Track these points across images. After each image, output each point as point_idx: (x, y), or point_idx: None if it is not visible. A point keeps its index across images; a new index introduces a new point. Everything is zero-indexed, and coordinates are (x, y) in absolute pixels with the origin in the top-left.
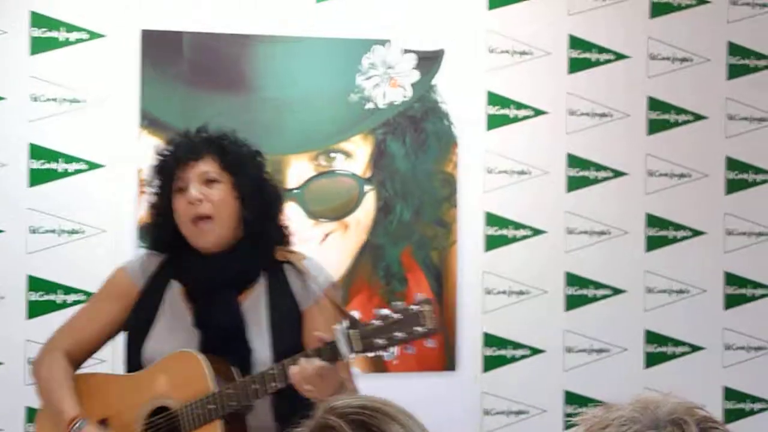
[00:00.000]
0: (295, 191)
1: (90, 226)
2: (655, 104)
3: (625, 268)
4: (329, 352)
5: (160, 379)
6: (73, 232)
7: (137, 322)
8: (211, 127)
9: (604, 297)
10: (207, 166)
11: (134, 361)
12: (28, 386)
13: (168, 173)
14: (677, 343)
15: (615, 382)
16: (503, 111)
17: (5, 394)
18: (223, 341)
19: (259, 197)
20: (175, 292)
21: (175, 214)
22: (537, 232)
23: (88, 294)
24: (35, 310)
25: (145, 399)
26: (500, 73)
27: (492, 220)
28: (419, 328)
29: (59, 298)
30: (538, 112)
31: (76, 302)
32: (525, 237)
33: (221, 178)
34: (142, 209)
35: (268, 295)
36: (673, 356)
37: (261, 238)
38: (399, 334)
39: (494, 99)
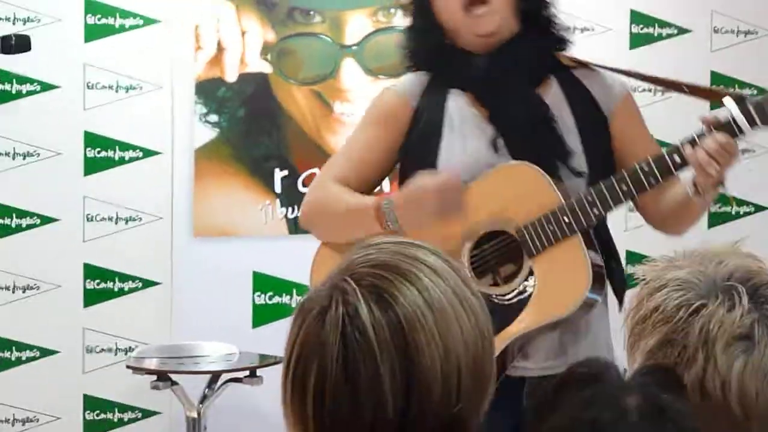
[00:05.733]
0: (354, 47)
1: (147, 82)
2: None
3: None
4: (725, 130)
5: (484, 201)
6: (130, 88)
7: (422, 141)
8: None
9: None
10: None
11: None
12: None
13: None
14: None
15: None
16: None
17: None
18: (527, 134)
19: None
20: (458, 101)
21: (440, 10)
22: None
23: (145, 151)
24: (92, 167)
25: (468, 224)
26: None
27: None
28: None
29: (117, 154)
30: None
31: (132, 159)
32: None
33: None
34: (199, 66)
35: (567, 99)
36: None
37: (540, 33)
38: None
39: None
